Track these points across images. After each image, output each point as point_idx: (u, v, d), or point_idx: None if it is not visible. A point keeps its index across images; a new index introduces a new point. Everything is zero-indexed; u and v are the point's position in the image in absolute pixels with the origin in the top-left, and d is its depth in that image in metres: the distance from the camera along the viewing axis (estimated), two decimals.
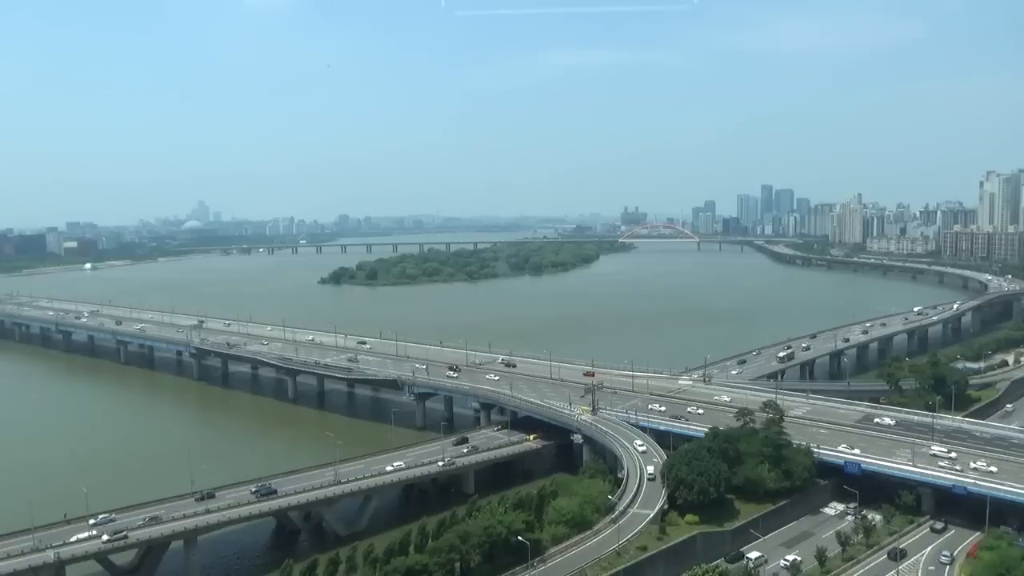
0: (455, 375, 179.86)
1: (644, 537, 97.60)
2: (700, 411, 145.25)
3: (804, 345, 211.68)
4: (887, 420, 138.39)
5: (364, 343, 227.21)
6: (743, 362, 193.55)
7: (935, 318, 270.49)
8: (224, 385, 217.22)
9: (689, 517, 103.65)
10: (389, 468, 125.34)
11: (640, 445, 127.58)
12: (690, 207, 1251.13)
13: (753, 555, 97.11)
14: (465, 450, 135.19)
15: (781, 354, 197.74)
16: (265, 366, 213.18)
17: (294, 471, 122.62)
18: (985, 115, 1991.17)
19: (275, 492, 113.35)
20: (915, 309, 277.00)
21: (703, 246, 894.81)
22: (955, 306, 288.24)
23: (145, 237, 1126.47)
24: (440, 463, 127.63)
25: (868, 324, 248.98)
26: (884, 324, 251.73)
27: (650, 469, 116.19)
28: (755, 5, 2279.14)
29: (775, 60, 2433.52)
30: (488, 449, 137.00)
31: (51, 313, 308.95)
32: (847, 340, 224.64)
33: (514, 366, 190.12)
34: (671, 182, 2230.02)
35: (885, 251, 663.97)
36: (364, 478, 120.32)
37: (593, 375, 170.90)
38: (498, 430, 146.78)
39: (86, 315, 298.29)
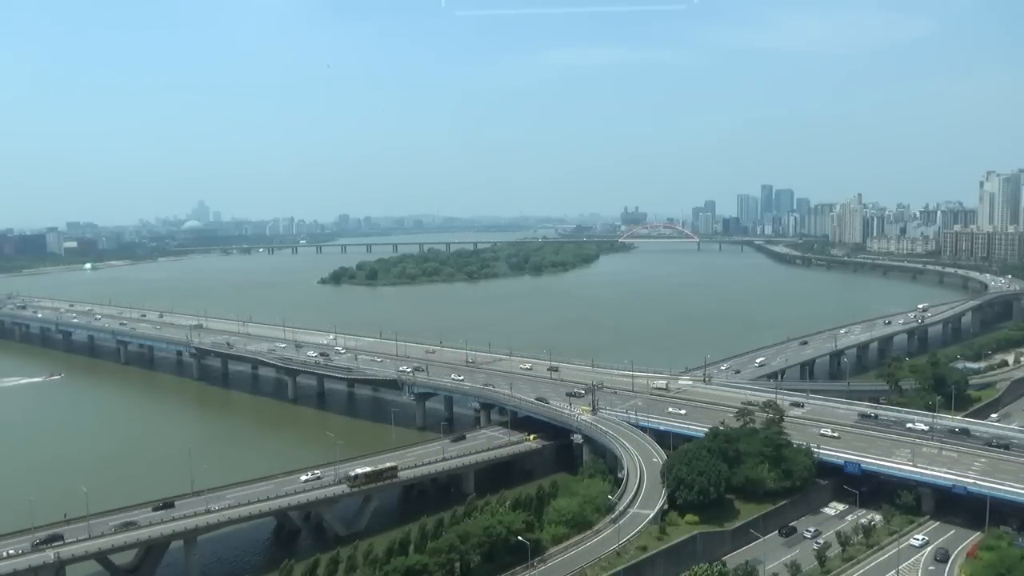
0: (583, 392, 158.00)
1: (644, 537, 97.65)
2: (683, 411, 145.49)
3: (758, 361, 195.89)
4: (920, 426, 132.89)
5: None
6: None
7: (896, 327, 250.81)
8: (224, 385, 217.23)
9: (689, 517, 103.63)
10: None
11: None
12: (690, 207, 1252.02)
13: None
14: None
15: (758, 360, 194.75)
16: (265, 366, 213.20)
17: (294, 471, 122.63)
18: (985, 115, 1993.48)
19: (61, 538, 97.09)
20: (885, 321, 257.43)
21: (703, 246, 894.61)
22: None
23: (145, 237, 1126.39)
24: (440, 462, 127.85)
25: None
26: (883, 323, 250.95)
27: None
28: (758, 3, 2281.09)
29: (776, 59, 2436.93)
30: (488, 449, 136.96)
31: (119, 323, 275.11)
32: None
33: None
34: (671, 182, 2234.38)
35: (885, 251, 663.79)
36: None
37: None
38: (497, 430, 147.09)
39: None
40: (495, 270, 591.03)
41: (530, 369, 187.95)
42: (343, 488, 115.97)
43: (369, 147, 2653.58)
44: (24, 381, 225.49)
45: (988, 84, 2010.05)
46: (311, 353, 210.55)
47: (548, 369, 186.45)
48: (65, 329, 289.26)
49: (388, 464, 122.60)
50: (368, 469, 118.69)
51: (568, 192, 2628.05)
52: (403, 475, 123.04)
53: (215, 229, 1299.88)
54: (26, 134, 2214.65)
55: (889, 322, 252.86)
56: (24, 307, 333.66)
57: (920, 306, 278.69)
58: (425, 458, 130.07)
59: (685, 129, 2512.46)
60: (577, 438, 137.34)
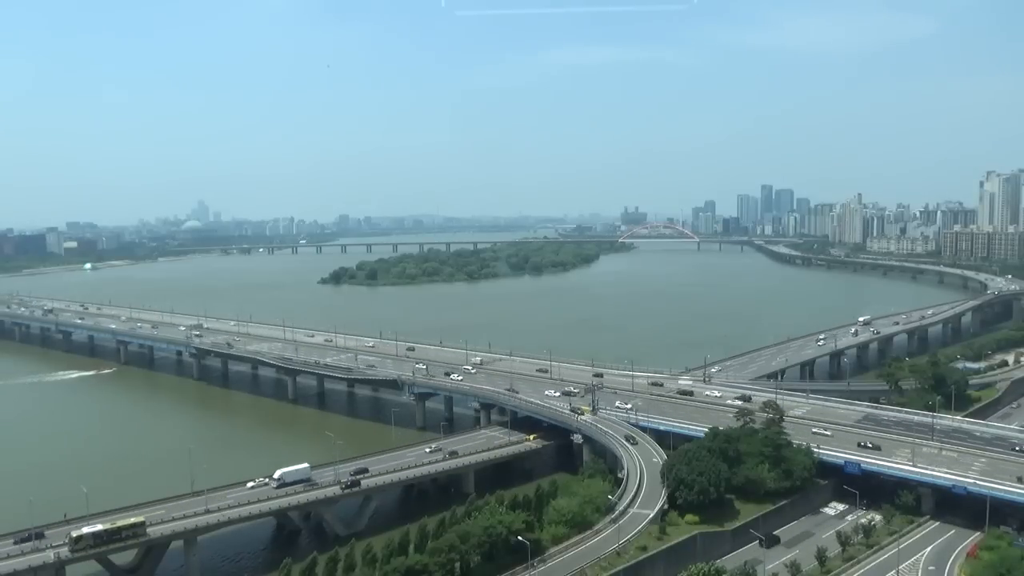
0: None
1: (644, 537, 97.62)
2: (628, 404, 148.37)
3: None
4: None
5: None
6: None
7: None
8: (224, 385, 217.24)
9: (689, 517, 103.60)
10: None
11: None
12: (690, 207, 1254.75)
13: None
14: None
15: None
16: (265, 366, 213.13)
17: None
18: (985, 115, 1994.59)
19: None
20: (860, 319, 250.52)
21: (703, 246, 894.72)
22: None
23: (145, 237, 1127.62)
24: (439, 462, 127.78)
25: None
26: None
27: None
28: (758, 2, 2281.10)
29: (776, 58, 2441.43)
30: (488, 449, 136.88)
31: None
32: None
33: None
34: (671, 182, 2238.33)
35: (885, 251, 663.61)
36: (364, 478, 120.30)
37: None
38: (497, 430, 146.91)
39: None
40: (495, 270, 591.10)
41: (542, 371, 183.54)
42: (65, 552, 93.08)
43: (369, 147, 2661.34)
44: (78, 374, 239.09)
45: (988, 84, 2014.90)
46: (454, 376, 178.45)
47: (407, 349, 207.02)
48: (65, 329, 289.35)
49: (130, 521, 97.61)
50: (98, 528, 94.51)
51: (568, 192, 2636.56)
52: (403, 475, 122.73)
53: (215, 229, 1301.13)
54: (26, 134, 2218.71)
55: (822, 342, 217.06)
56: (51, 310, 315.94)
57: (861, 319, 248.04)
58: (425, 458, 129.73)
59: (685, 129, 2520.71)
60: (577, 438, 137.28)
